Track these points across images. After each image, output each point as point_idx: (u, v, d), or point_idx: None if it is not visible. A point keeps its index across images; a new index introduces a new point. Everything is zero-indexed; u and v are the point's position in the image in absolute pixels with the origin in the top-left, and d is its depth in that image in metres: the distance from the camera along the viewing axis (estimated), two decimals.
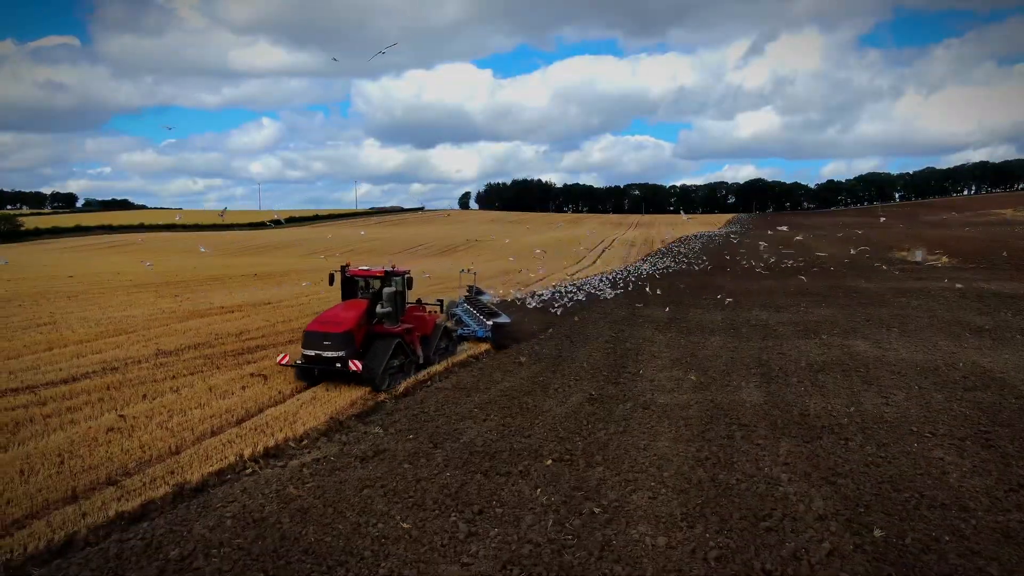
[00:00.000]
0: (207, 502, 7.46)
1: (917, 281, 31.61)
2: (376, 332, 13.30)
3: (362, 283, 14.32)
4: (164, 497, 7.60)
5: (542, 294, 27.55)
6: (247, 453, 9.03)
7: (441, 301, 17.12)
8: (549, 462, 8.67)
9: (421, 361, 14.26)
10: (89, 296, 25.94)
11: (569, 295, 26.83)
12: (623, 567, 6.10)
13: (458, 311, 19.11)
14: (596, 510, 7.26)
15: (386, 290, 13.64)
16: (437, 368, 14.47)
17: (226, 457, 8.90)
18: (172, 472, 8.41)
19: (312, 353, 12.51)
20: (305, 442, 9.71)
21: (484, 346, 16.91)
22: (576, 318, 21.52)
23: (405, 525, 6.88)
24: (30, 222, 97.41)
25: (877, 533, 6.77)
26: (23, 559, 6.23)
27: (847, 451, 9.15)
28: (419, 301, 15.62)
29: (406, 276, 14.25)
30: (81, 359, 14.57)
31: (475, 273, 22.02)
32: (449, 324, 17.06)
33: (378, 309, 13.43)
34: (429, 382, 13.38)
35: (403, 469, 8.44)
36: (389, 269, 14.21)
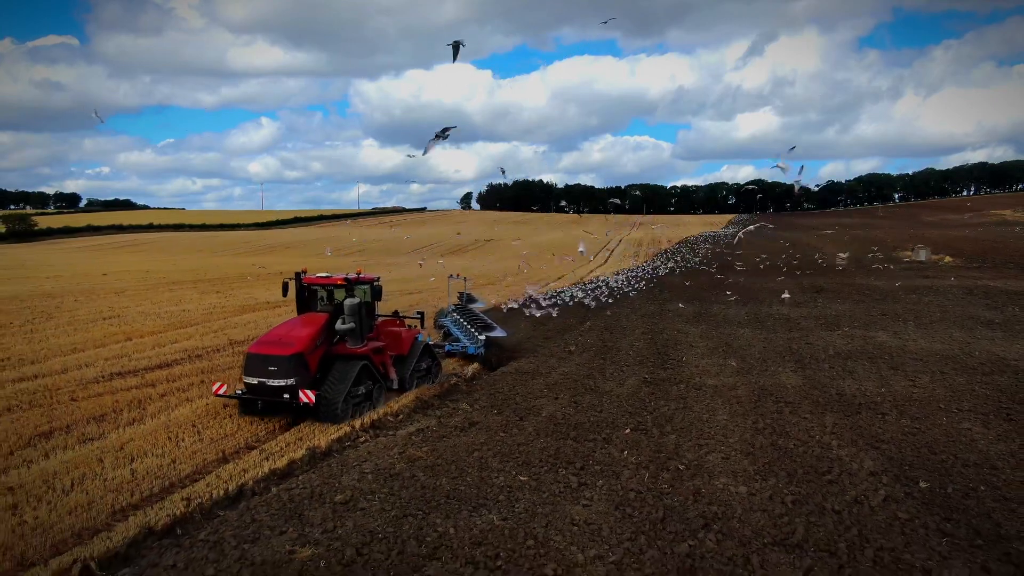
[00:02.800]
0: (343, 462, 8.64)
1: (924, 279, 32.90)
2: (336, 354, 11.31)
3: (322, 293, 12.15)
4: (302, 458, 8.81)
5: (564, 291, 28.79)
6: (357, 425, 10.25)
7: (422, 314, 14.63)
8: (628, 431, 9.89)
9: (395, 386, 12.32)
10: (136, 292, 27.11)
11: (594, 292, 28.06)
12: (717, 507, 7.30)
13: (446, 322, 17.14)
14: (680, 467, 8.47)
15: (348, 301, 11.41)
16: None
17: (340, 428, 10.11)
18: (300, 439, 9.62)
19: (255, 381, 10.39)
20: (401, 416, 10.93)
21: (474, 364, 15.08)
22: (608, 312, 22.78)
23: (523, 478, 8.08)
24: (40, 222, 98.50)
25: (923, 484, 7.98)
26: (211, 503, 7.43)
27: (885, 423, 10.38)
28: (396, 313, 13.85)
29: (374, 284, 12.07)
30: (163, 348, 15.76)
31: (466, 279, 20.56)
32: (435, 340, 15.32)
33: (338, 325, 11.31)
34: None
35: (500, 437, 9.65)
36: (352, 276, 11.95)
